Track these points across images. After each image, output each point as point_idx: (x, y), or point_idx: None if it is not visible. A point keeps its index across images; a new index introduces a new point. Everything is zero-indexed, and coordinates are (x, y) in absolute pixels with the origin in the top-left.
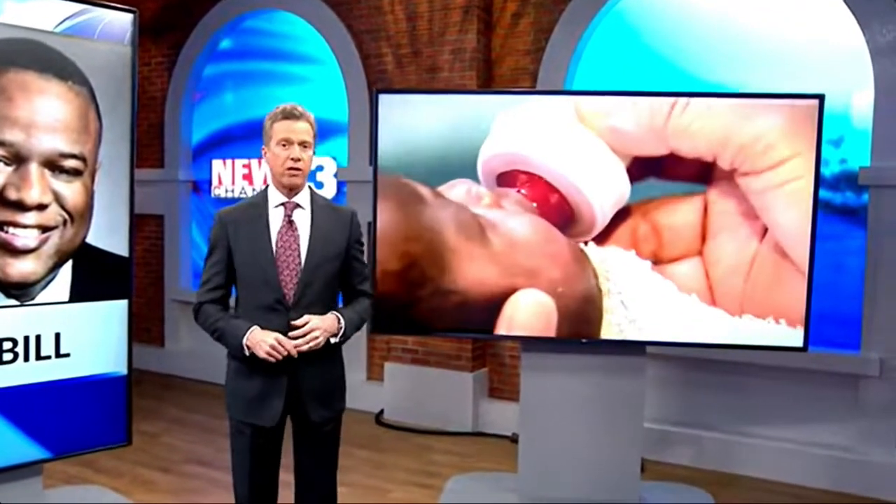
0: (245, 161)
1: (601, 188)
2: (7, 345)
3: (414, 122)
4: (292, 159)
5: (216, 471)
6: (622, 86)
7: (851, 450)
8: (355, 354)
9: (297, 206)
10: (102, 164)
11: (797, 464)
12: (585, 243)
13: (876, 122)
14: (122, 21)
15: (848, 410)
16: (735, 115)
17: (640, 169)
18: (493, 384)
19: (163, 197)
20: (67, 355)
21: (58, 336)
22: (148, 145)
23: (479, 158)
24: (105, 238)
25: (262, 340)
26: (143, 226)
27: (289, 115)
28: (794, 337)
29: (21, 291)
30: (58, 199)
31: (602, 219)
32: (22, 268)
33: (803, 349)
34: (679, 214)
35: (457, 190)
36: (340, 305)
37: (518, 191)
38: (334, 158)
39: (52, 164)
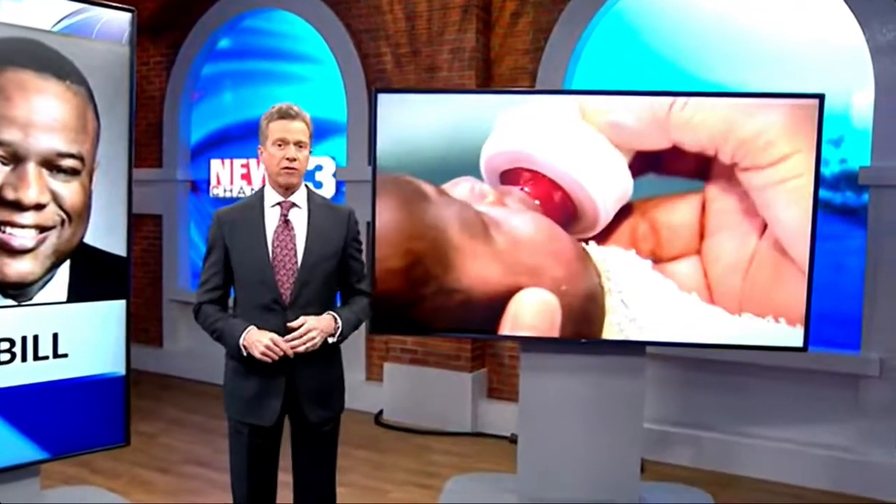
0: (244, 161)
1: (604, 185)
2: (4, 345)
3: (413, 121)
4: (288, 159)
5: (214, 471)
6: (621, 85)
7: (851, 450)
8: (354, 354)
9: (294, 205)
10: (100, 163)
11: (797, 464)
12: (587, 242)
13: (876, 122)
14: (120, 20)
15: (848, 411)
16: (737, 111)
17: (642, 165)
18: (492, 384)
19: (161, 197)
20: (65, 355)
21: (55, 336)
22: (146, 145)
23: (481, 156)
24: (103, 238)
25: (257, 341)
26: (142, 226)
27: (284, 115)
28: (794, 336)
29: (18, 291)
30: (55, 198)
31: (605, 215)
32: (19, 268)
33: (803, 349)
34: (677, 213)
35: (460, 188)
36: (339, 305)
37: (521, 188)
38: (333, 158)
39: (50, 164)
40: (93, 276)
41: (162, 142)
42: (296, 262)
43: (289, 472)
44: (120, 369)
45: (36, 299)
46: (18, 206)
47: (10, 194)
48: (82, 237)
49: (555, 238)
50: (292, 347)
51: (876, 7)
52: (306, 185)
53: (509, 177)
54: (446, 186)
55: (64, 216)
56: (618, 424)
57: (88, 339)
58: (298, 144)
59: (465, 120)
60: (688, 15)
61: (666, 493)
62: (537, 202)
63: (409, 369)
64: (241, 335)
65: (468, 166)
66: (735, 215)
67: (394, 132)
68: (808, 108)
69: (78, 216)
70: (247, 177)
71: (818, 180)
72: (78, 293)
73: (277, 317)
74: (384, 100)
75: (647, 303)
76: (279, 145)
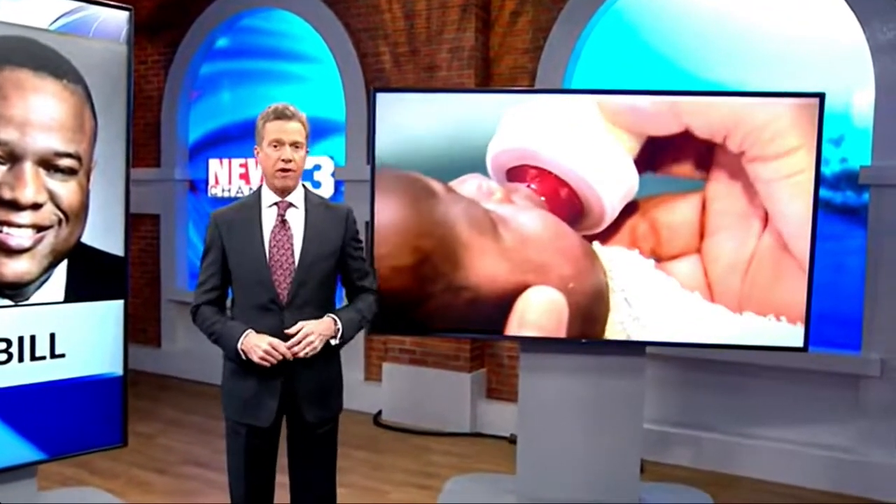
0: (242, 160)
1: (610, 181)
2: (1, 345)
3: (412, 121)
4: (283, 160)
5: (212, 472)
6: (621, 85)
7: (852, 451)
8: (353, 355)
9: (291, 205)
10: (98, 163)
11: (797, 465)
12: (591, 241)
13: (877, 121)
14: (117, 19)
15: (848, 411)
16: (742, 108)
17: (653, 153)
18: (491, 385)
19: (159, 196)
20: (62, 356)
21: (53, 336)
22: (144, 144)
23: (488, 154)
24: (100, 238)
25: (256, 346)
26: (140, 225)
27: (280, 116)
28: (795, 334)
29: (15, 291)
30: (53, 198)
31: (611, 212)
32: (16, 267)
33: (804, 349)
34: (678, 212)
35: (468, 185)
36: (339, 305)
37: (528, 185)
38: (332, 158)
39: (47, 163)
40: (90, 275)
41: (160, 141)
42: (293, 262)
43: (286, 473)
44: (117, 370)
45: (33, 299)
46: (15, 206)
47: (6, 194)
48: (80, 237)
49: (562, 235)
50: (292, 352)
51: (876, 6)
52: (304, 185)
53: (516, 174)
54: (454, 184)
55: (61, 216)
56: (617, 425)
57: (86, 340)
58: (295, 145)
59: (464, 119)
60: (687, 14)
61: (665, 494)
62: (543, 199)
63: (408, 369)
64: (239, 339)
65: (468, 165)
66: (735, 215)
67: (392, 132)
68: (809, 106)
69: (75, 216)
70: (245, 176)
71: (818, 179)
72: (75, 293)
73: (275, 317)
74: (383, 99)
75: (650, 301)
76: (275, 146)
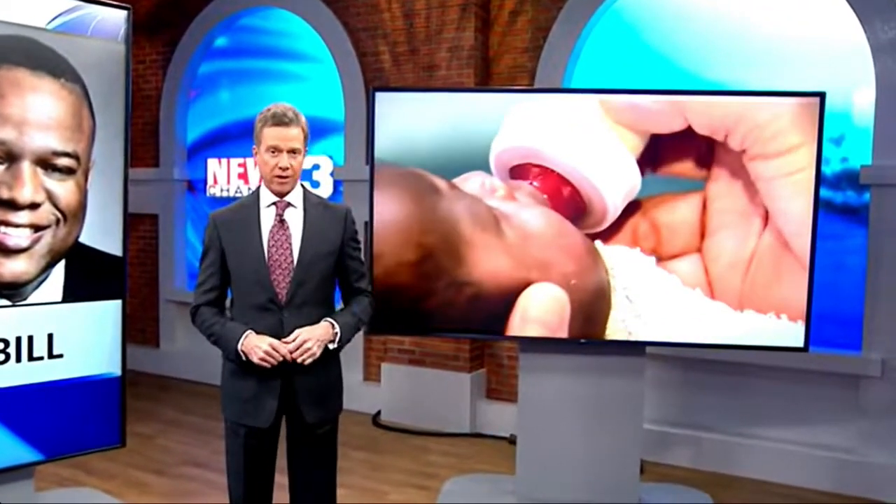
0: (240, 160)
1: (613, 180)
2: None
3: (411, 120)
4: (280, 168)
5: (211, 472)
6: (621, 84)
7: (852, 451)
8: (352, 355)
9: (290, 204)
10: (96, 162)
11: (797, 465)
12: (593, 239)
13: (877, 121)
14: (115, 18)
15: (849, 411)
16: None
17: (654, 153)
18: (490, 385)
19: (157, 196)
20: (60, 356)
21: (50, 337)
22: (142, 144)
23: (491, 152)
24: (98, 237)
25: (256, 346)
26: (138, 225)
27: (278, 122)
28: (795, 333)
29: (13, 291)
30: (50, 197)
31: (613, 210)
32: (14, 267)
33: (804, 349)
34: (678, 212)
35: (471, 182)
36: (338, 305)
37: (531, 183)
38: (331, 157)
39: (45, 163)
40: (88, 275)
41: (158, 141)
42: (291, 262)
43: (285, 474)
44: (115, 370)
45: (31, 299)
46: (13, 206)
47: (4, 193)
48: (78, 237)
49: (565, 233)
50: (292, 358)
51: (877, 5)
52: (302, 185)
53: (519, 172)
54: (457, 181)
55: (59, 215)
56: (617, 425)
57: (84, 340)
58: (292, 152)
59: (464, 118)
60: (687, 13)
61: (665, 494)
62: (546, 197)
63: (407, 370)
64: (239, 340)
65: (467, 165)
66: (736, 214)
67: (392, 131)
68: (810, 105)
69: (73, 215)
70: (244, 176)
71: (819, 179)
72: (73, 293)
73: (274, 317)
74: (382, 98)
75: (652, 299)
76: (272, 152)
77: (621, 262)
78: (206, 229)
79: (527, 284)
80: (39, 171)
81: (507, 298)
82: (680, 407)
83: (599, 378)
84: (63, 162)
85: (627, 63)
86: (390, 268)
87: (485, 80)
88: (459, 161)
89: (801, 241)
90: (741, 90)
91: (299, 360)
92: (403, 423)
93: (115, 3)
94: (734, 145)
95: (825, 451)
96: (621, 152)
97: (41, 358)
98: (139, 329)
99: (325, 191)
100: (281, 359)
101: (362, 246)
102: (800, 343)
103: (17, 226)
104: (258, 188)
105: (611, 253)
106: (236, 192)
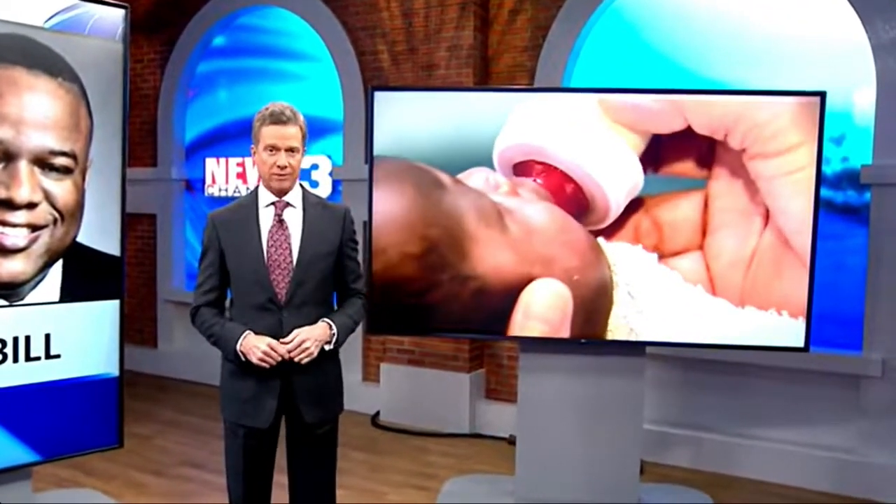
0: (239, 159)
1: (615, 177)
2: None
3: (410, 119)
4: (279, 166)
5: (210, 473)
6: (621, 83)
7: (852, 451)
8: (351, 355)
9: (288, 204)
10: (94, 162)
11: (797, 466)
12: (595, 236)
13: (878, 120)
14: (113, 17)
15: (849, 412)
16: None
17: (655, 152)
18: (490, 385)
19: (155, 196)
20: (58, 356)
21: (48, 337)
22: (140, 143)
23: (494, 149)
24: (96, 237)
25: (254, 347)
26: (136, 225)
27: (276, 120)
28: (796, 330)
29: (10, 291)
30: (48, 197)
31: (616, 208)
32: (11, 267)
33: (805, 349)
34: (680, 210)
35: (475, 178)
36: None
37: (534, 180)
38: (329, 157)
39: (43, 162)
40: (86, 275)
41: (156, 140)
42: (290, 262)
43: (285, 474)
44: (113, 370)
45: (28, 299)
46: (10, 205)
47: (1, 193)
48: (75, 236)
49: (568, 228)
50: (290, 357)
51: (878, 4)
52: (301, 185)
53: (522, 169)
54: (461, 176)
55: (56, 215)
56: (617, 425)
57: (81, 340)
58: (290, 150)
59: (463, 117)
60: (687, 12)
61: (665, 495)
62: (549, 194)
63: (406, 370)
64: (238, 340)
65: (466, 164)
66: (737, 212)
67: (391, 130)
68: (810, 105)
69: (71, 215)
70: (242, 176)
71: (819, 178)
72: (71, 293)
73: (273, 316)
74: (381, 98)
75: (654, 295)
76: (270, 151)
77: (623, 258)
78: (205, 230)
79: (530, 279)
80: (37, 170)
81: (510, 294)
82: (680, 407)
83: (599, 378)
84: (60, 161)
85: (627, 62)
86: (393, 260)
87: (484, 79)
88: (459, 161)
89: (802, 239)
90: (741, 89)
91: (297, 360)
92: (403, 423)
93: (112, 1)
94: (734, 144)
95: (825, 452)
96: (624, 150)
97: (38, 358)
98: (137, 329)
99: (323, 190)
100: (280, 359)
101: (361, 246)
102: (800, 343)
103: (15, 225)
104: (256, 188)
105: (613, 249)
106: (235, 191)
